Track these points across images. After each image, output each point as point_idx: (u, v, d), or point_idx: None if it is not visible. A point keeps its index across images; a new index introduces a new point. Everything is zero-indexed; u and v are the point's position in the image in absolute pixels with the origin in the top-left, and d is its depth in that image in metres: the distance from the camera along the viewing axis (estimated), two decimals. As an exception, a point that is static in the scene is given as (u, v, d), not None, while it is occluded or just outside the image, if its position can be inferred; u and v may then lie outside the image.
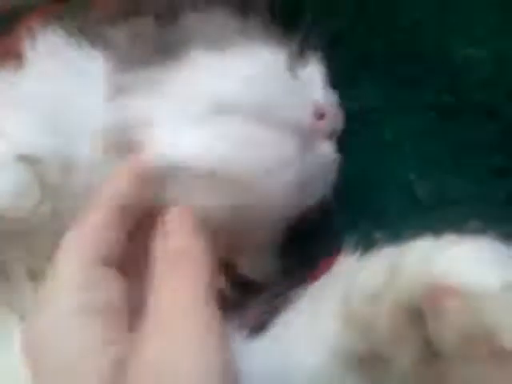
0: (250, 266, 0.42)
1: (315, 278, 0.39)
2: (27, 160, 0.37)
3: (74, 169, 0.38)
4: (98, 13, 0.44)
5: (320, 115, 0.42)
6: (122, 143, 0.38)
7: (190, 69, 0.39)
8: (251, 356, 0.35)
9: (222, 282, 0.40)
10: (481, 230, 0.33)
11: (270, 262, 0.43)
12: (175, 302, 0.30)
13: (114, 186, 0.36)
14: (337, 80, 0.46)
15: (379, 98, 0.46)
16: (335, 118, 0.43)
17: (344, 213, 0.43)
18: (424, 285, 0.31)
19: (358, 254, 0.38)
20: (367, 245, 0.38)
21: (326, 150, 0.42)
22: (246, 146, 0.38)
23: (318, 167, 0.41)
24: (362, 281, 0.35)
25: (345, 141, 0.44)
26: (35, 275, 0.38)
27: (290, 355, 0.36)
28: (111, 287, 0.32)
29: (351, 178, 0.43)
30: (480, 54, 0.44)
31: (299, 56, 0.44)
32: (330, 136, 0.43)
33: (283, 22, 0.45)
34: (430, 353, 0.32)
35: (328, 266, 0.39)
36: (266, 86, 0.40)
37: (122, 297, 0.33)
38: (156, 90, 0.39)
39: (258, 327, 0.38)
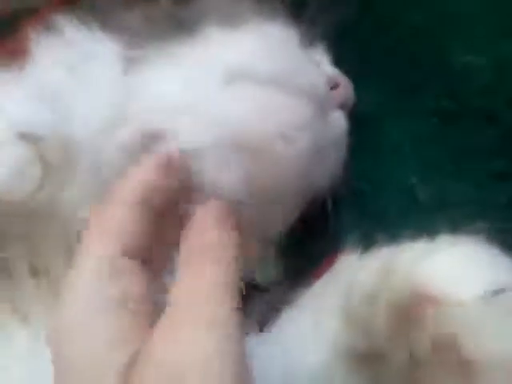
0: (255, 269, 0.42)
1: (318, 276, 0.39)
2: (28, 138, 0.36)
3: (78, 151, 0.38)
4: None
5: (333, 85, 0.42)
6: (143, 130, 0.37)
7: (204, 43, 0.40)
8: (253, 354, 0.35)
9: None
10: (478, 233, 0.33)
11: (273, 264, 0.43)
12: (192, 300, 0.29)
13: (138, 178, 0.34)
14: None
15: (379, 102, 0.47)
16: (347, 89, 0.43)
17: (345, 214, 0.43)
18: (410, 290, 0.32)
19: (358, 252, 0.38)
20: (368, 245, 0.38)
21: (340, 120, 0.42)
22: (261, 112, 0.38)
23: (331, 136, 0.41)
24: (361, 280, 0.35)
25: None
26: (37, 272, 0.38)
27: (292, 353, 0.36)
28: (136, 281, 0.31)
29: (352, 180, 0.43)
30: (479, 60, 0.45)
31: (307, 40, 0.44)
32: (342, 107, 0.43)
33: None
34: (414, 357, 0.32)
35: (330, 265, 0.39)
36: (279, 55, 0.40)
37: (147, 291, 0.31)
38: (170, 63, 0.39)
39: (260, 326, 0.38)
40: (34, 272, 0.38)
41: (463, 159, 0.44)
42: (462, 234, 0.34)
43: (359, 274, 0.36)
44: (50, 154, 0.36)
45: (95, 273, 0.30)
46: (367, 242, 0.38)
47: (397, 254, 0.34)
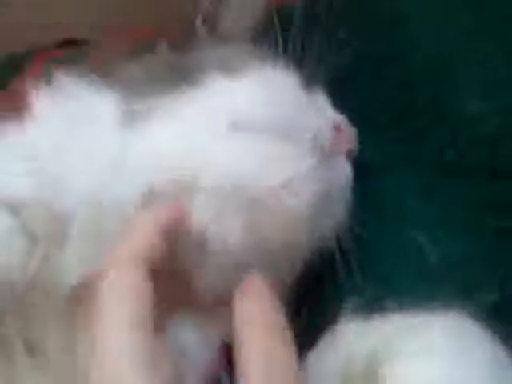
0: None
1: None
2: (9, 207, 0.35)
3: (68, 215, 0.37)
4: (107, 53, 0.44)
5: (337, 130, 0.42)
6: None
7: (204, 92, 0.40)
8: None
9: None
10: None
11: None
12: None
13: (140, 238, 0.35)
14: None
15: (380, 153, 0.46)
16: (351, 135, 0.43)
17: (348, 276, 0.41)
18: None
19: (359, 319, 0.37)
20: (372, 306, 0.37)
21: (343, 165, 0.42)
22: (264, 162, 0.38)
23: (335, 182, 0.41)
24: (360, 352, 0.35)
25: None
26: (33, 350, 0.36)
27: None
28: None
29: (354, 237, 0.42)
30: (483, 108, 0.44)
31: (308, 86, 0.44)
32: (346, 152, 0.43)
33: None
34: None
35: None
36: (281, 103, 0.40)
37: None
38: (170, 115, 0.39)
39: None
40: (31, 350, 0.37)
41: (468, 215, 0.42)
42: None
43: (359, 345, 0.36)
44: (35, 224, 0.35)
45: (128, 329, 0.30)
46: (371, 304, 0.38)
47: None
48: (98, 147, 0.38)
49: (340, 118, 0.43)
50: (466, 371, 0.33)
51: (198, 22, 0.45)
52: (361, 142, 0.45)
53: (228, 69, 0.40)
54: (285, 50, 0.43)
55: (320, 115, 0.42)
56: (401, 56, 0.48)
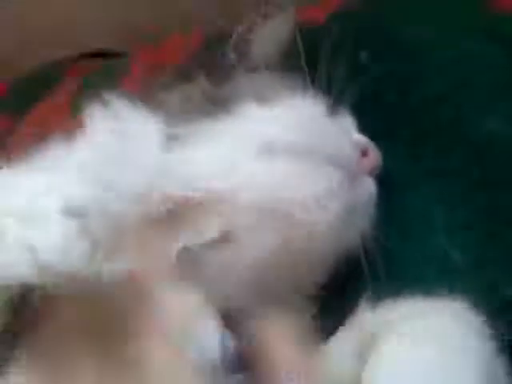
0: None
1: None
2: (75, 213, 0.34)
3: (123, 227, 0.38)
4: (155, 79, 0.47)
5: (363, 152, 0.45)
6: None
7: (239, 119, 0.42)
8: None
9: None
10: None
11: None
12: None
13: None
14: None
15: (405, 167, 0.48)
16: (375, 156, 0.46)
17: (373, 281, 0.43)
18: None
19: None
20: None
21: (368, 185, 0.45)
22: (295, 180, 0.40)
23: (361, 200, 0.43)
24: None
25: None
26: None
27: None
28: None
29: (380, 246, 0.44)
30: (504, 129, 0.46)
31: (335, 110, 0.46)
32: (371, 172, 0.45)
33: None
34: None
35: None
36: (310, 128, 0.43)
37: None
38: (207, 140, 0.41)
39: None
40: None
41: (492, 224, 0.44)
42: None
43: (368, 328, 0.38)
44: (96, 229, 0.36)
45: None
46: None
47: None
48: (143, 164, 0.40)
49: (365, 141, 0.46)
50: (447, 359, 0.34)
51: (230, 48, 0.48)
52: (387, 158, 0.47)
53: (260, 99, 0.43)
54: (311, 72, 0.46)
55: (346, 138, 0.44)
56: (425, 77, 0.51)
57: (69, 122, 0.48)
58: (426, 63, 0.51)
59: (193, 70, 0.47)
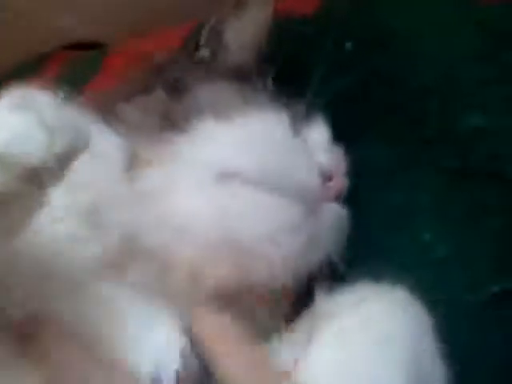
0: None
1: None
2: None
3: None
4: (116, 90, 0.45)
5: (327, 177, 0.42)
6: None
7: (195, 141, 0.40)
8: None
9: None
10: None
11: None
12: None
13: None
14: (344, 138, 0.46)
15: (390, 159, 0.47)
16: (342, 179, 0.44)
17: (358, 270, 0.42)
18: None
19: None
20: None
21: (332, 211, 0.42)
22: (249, 214, 0.38)
23: (324, 229, 0.41)
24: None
25: (354, 201, 0.45)
26: None
27: None
28: None
29: (363, 241, 0.43)
30: (487, 123, 0.45)
31: (304, 117, 0.44)
32: (337, 197, 0.43)
33: (291, 81, 0.46)
34: None
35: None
36: (271, 154, 0.40)
37: None
38: (166, 160, 0.40)
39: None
40: None
41: (474, 215, 0.44)
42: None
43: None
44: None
45: None
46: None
47: None
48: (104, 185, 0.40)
49: (331, 164, 0.43)
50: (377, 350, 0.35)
51: (203, 43, 0.46)
52: (371, 149, 0.47)
53: (220, 114, 0.41)
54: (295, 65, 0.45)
55: (309, 165, 0.42)
56: (409, 72, 0.50)
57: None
58: (412, 56, 0.50)
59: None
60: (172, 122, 0.41)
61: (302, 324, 0.40)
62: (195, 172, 0.39)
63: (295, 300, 0.42)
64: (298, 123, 0.44)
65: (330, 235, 0.42)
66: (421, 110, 0.48)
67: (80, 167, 0.39)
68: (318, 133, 0.45)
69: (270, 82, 0.45)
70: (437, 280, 0.41)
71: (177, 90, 0.43)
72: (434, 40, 0.49)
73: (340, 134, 0.46)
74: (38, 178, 0.30)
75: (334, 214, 0.42)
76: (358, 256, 0.42)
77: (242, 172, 0.39)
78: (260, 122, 0.42)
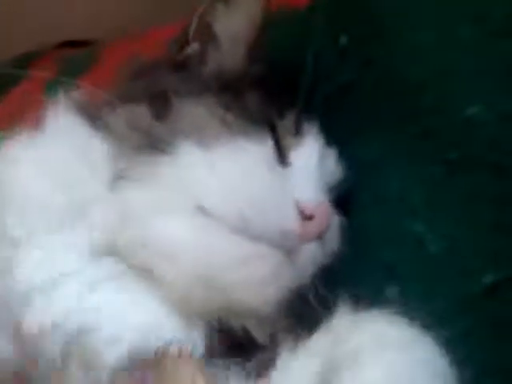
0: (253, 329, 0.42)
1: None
2: None
3: None
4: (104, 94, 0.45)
5: (308, 216, 0.41)
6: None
7: (180, 164, 0.40)
8: None
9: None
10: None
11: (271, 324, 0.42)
12: None
13: None
14: (341, 133, 0.46)
15: (385, 151, 0.47)
16: (323, 218, 0.42)
17: (351, 268, 0.42)
18: None
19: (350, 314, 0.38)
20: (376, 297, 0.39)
21: (310, 252, 0.41)
22: (227, 259, 0.38)
23: (301, 271, 0.41)
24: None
25: (350, 194, 0.45)
26: None
27: None
28: None
29: (357, 233, 0.43)
30: (483, 114, 0.44)
31: (293, 133, 0.44)
32: (318, 236, 0.41)
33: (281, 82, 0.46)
34: None
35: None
36: (249, 197, 0.40)
37: None
38: (148, 180, 0.40)
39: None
40: None
41: (468, 208, 0.43)
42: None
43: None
44: None
45: None
46: (375, 295, 0.39)
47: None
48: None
49: (312, 203, 0.41)
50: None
51: (191, 37, 0.45)
52: (366, 141, 0.46)
53: (201, 137, 0.41)
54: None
55: (289, 204, 0.41)
56: (406, 62, 0.48)
57: (41, 107, 0.46)
58: (406, 49, 0.49)
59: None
60: (155, 141, 0.41)
61: (319, 343, 0.39)
62: (176, 198, 0.39)
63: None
64: (285, 144, 0.43)
65: (309, 270, 0.41)
66: (418, 103, 0.47)
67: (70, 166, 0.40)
68: (307, 153, 0.44)
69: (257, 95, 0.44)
70: (430, 272, 0.40)
71: (161, 105, 0.43)
72: (430, 32, 0.48)
73: (334, 130, 0.46)
74: None
75: (313, 254, 0.41)
76: (353, 248, 0.42)
77: (219, 214, 0.39)
78: (241, 155, 0.41)
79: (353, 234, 0.43)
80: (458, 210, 0.43)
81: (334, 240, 0.42)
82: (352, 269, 0.42)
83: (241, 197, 0.39)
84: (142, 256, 0.39)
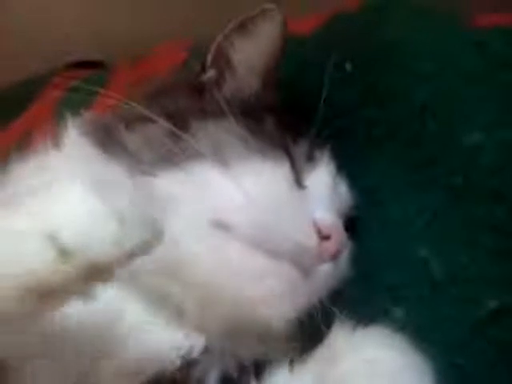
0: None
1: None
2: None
3: None
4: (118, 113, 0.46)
5: (325, 236, 0.41)
6: None
7: (193, 182, 0.41)
8: None
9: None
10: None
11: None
12: None
13: None
14: (345, 159, 0.47)
15: (389, 176, 0.47)
16: (339, 239, 0.42)
17: (357, 293, 0.42)
18: None
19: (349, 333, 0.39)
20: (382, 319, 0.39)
21: (325, 272, 0.41)
22: (244, 274, 0.39)
23: (315, 289, 0.41)
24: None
25: (356, 221, 0.45)
26: None
27: None
28: None
29: (362, 256, 0.44)
30: (486, 141, 0.45)
31: (307, 159, 0.44)
32: (333, 257, 0.42)
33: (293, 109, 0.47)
34: None
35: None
36: (267, 213, 0.40)
37: None
38: (165, 200, 0.40)
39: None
40: None
41: (472, 233, 0.44)
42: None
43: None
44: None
45: None
46: (380, 316, 0.39)
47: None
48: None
49: (328, 223, 0.42)
50: None
51: (208, 63, 0.46)
52: (369, 168, 0.47)
53: (218, 156, 0.41)
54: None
55: (306, 225, 0.41)
56: (406, 90, 0.49)
57: (51, 130, 0.47)
58: (410, 74, 0.50)
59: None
60: (171, 159, 0.41)
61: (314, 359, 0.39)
62: (192, 216, 0.40)
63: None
64: (300, 168, 0.43)
65: (322, 292, 0.41)
66: (421, 129, 0.48)
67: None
68: (321, 178, 0.44)
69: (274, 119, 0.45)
70: (435, 295, 0.41)
71: (178, 125, 0.43)
72: (434, 60, 0.49)
73: (339, 156, 0.46)
74: (97, 273, 0.29)
75: (327, 276, 0.41)
76: (358, 271, 0.43)
77: (236, 227, 0.39)
78: (263, 173, 0.41)
79: (358, 257, 0.43)
80: (462, 236, 0.44)
81: (345, 264, 0.42)
82: (357, 290, 0.42)
83: (263, 211, 0.39)
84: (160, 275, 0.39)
